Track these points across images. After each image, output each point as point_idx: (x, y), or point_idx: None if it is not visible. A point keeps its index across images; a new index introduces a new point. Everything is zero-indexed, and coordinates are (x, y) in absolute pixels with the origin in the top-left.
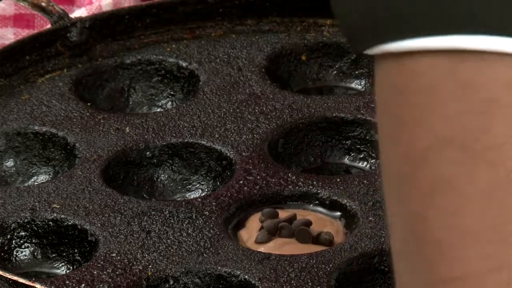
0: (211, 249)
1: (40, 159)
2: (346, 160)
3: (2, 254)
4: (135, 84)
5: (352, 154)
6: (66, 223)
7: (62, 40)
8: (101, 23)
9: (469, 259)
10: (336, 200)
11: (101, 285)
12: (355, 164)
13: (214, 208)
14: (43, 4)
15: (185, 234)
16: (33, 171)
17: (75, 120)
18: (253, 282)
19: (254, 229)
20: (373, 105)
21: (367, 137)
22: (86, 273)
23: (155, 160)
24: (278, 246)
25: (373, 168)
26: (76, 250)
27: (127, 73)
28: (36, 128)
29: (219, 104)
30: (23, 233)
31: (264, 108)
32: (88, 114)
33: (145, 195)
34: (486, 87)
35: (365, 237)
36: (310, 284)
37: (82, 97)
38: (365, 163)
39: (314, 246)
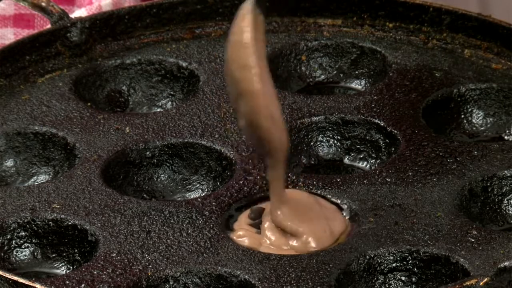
0: (211, 249)
1: (40, 159)
2: (346, 160)
3: (2, 254)
4: (135, 84)
5: (352, 154)
6: (66, 223)
7: (62, 40)
8: (101, 23)
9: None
10: (336, 200)
11: (101, 285)
12: (355, 164)
13: (214, 208)
14: (43, 4)
15: (185, 234)
16: (33, 171)
17: (75, 120)
18: (253, 282)
19: (243, 222)
20: (373, 105)
21: (367, 137)
22: (86, 273)
23: (155, 160)
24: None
25: (373, 168)
26: (76, 250)
27: (127, 73)
28: (36, 128)
29: (219, 104)
30: (23, 233)
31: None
32: (88, 114)
33: (145, 195)
34: None
35: (365, 237)
36: (310, 284)
37: (82, 97)
38: (365, 163)
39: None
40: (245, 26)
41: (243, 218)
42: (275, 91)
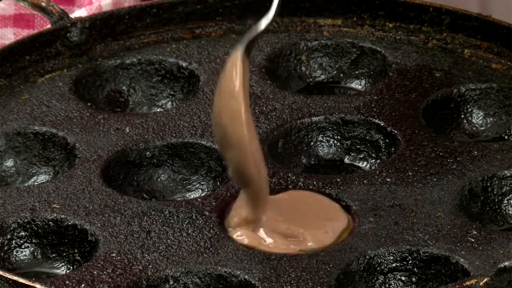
0: (211, 249)
1: (40, 159)
2: (346, 160)
3: (2, 254)
4: (135, 84)
5: (352, 154)
6: (66, 223)
7: (62, 40)
8: (101, 23)
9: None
10: (337, 200)
11: (101, 285)
12: (355, 164)
13: (214, 208)
14: (43, 4)
15: (185, 234)
16: (33, 171)
17: (75, 120)
18: (253, 282)
19: (237, 219)
20: (373, 105)
21: (367, 137)
22: (86, 273)
23: (155, 160)
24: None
25: (373, 168)
26: (76, 250)
27: (127, 73)
28: (36, 128)
29: None
30: (23, 233)
31: (264, 108)
32: (88, 114)
33: (145, 195)
34: None
35: (365, 237)
36: (310, 284)
37: (82, 97)
38: (365, 163)
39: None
40: (235, 76)
41: (236, 213)
42: (256, 133)
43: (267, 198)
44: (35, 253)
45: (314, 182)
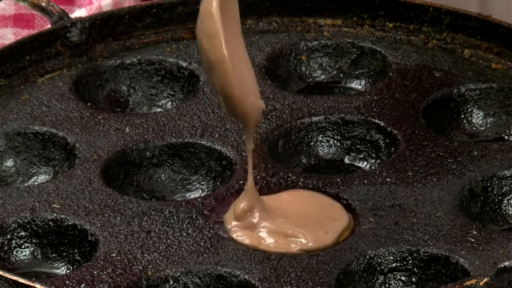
0: (211, 249)
1: (40, 159)
2: (346, 160)
3: (2, 254)
4: (135, 84)
5: (352, 154)
6: (66, 223)
7: (62, 40)
8: (101, 23)
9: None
10: (337, 199)
11: (101, 285)
12: (355, 164)
13: (214, 208)
14: (43, 4)
15: (185, 234)
16: (33, 171)
17: (75, 120)
18: (253, 282)
19: (232, 217)
20: (373, 105)
21: (367, 137)
22: (86, 273)
23: (155, 160)
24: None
25: (373, 168)
26: (76, 250)
27: (127, 73)
28: (36, 128)
29: (219, 104)
30: (23, 233)
31: (264, 108)
32: (88, 114)
33: (145, 195)
34: None
35: (365, 237)
36: (310, 284)
37: (82, 97)
38: (365, 163)
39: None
40: None
41: (232, 212)
42: (247, 57)
43: (256, 125)
44: (35, 253)
45: (314, 182)
